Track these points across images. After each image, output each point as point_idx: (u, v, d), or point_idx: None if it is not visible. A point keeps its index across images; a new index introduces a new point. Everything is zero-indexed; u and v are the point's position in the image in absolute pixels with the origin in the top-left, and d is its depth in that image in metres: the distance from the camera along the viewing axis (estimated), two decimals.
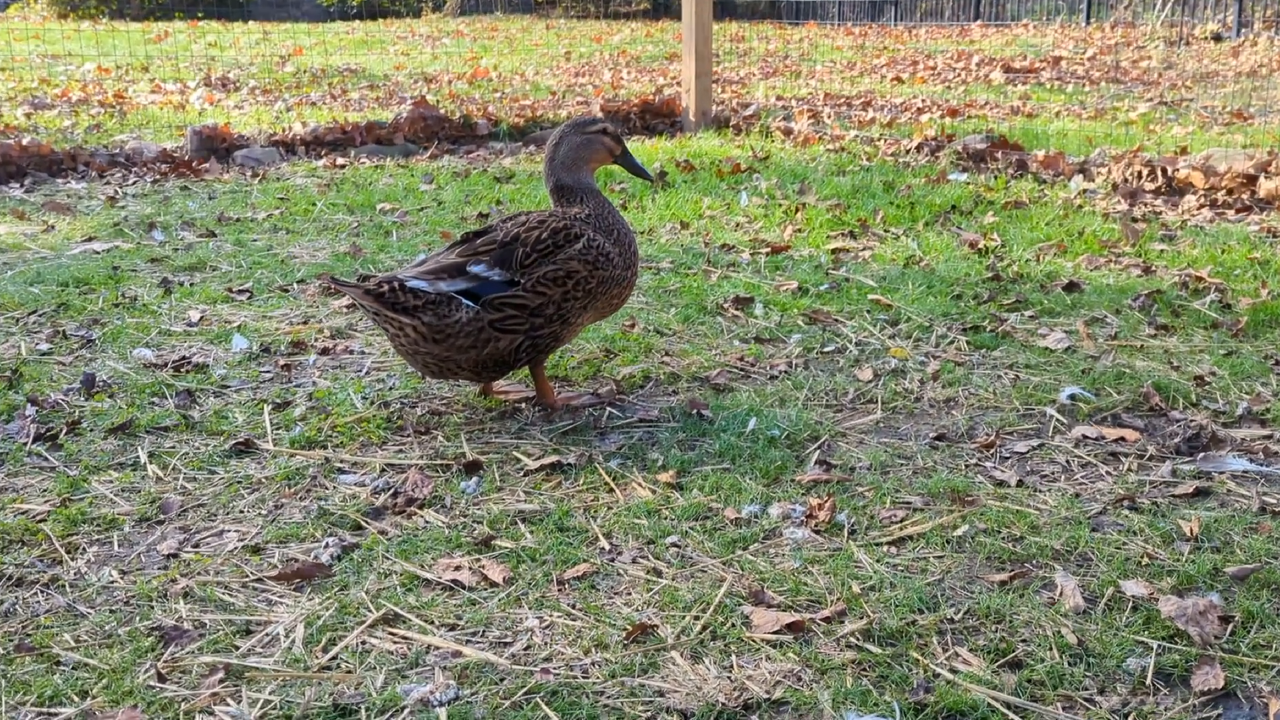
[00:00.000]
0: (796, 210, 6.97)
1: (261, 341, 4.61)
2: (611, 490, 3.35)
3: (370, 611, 2.73)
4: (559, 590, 2.83)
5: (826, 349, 4.58)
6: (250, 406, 3.96)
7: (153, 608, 2.76)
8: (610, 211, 3.88)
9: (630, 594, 2.82)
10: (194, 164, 8.70)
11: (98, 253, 6.01)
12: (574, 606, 2.76)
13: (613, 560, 2.97)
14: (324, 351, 4.53)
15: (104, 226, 6.63)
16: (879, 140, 9.27)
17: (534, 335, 3.70)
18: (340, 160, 9.07)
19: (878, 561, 2.95)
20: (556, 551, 2.99)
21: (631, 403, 4.04)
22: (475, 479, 3.40)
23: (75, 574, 2.91)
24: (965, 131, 9.29)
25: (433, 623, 2.70)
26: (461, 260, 3.69)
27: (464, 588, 2.83)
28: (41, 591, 2.83)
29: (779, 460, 3.52)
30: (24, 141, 8.57)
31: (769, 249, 6.09)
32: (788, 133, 9.86)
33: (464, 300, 3.63)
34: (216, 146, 9.15)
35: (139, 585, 2.84)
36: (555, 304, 3.69)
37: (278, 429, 3.79)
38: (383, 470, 3.49)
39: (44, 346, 4.54)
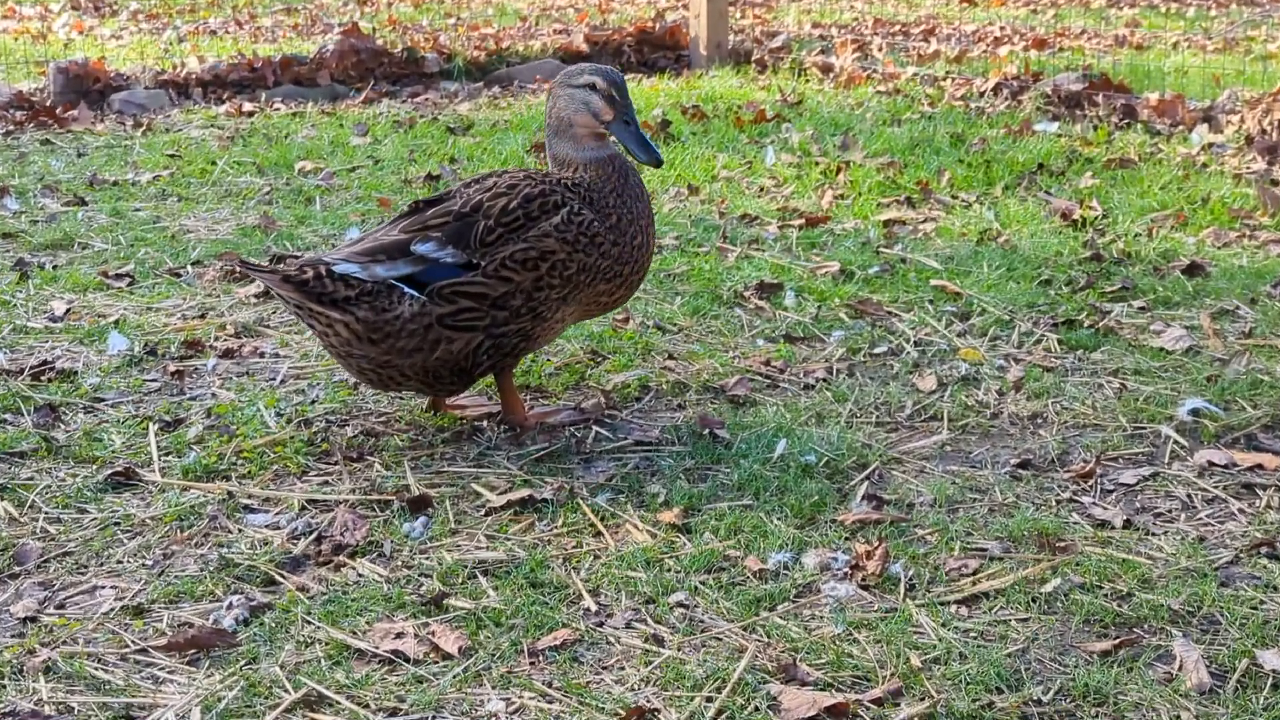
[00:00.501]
0: (838, 170, 6.99)
1: (146, 341, 4.61)
2: (599, 534, 3.36)
3: (286, 692, 2.73)
4: (531, 663, 2.83)
5: (877, 350, 4.59)
6: (131, 426, 3.97)
7: (4, 687, 2.75)
8: (619, 185, 3.81)
9: (624, 668, 2.82)
10: (58, 111, 8.70)
11: None
12: (551, 685, 2.76)
13: (601, 624, 2.97)
14: (226, 354, 4.53)
15: None
16: (944, 80, 9.28)
17: (497, 334, 3.70)
18: (248, 106, 9.07)
19: (943, 626, 2.96)
20: (528, 613, 2.99)
21: (625, 420, 4.05)
22: (422, 519, 3.41)
23: None
24: (1056, 68, 9.32)
25: (368, 706, 2.69)
26: (405, 237, 3.68)
27: (408, 660, 2.83)
28: None
29: (816, 494, 3.53)
30: None
31: (802, 220, 6.11)
32: (826, 70, 9.88)
33: (406, 289, 3.63)
34: (87, 88, 9.15)
35: None
36: (525, 293, 3.68)
37: (167, 455, 3.79)
38: (303, 508, 3.50)
39: None
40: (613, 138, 3.88)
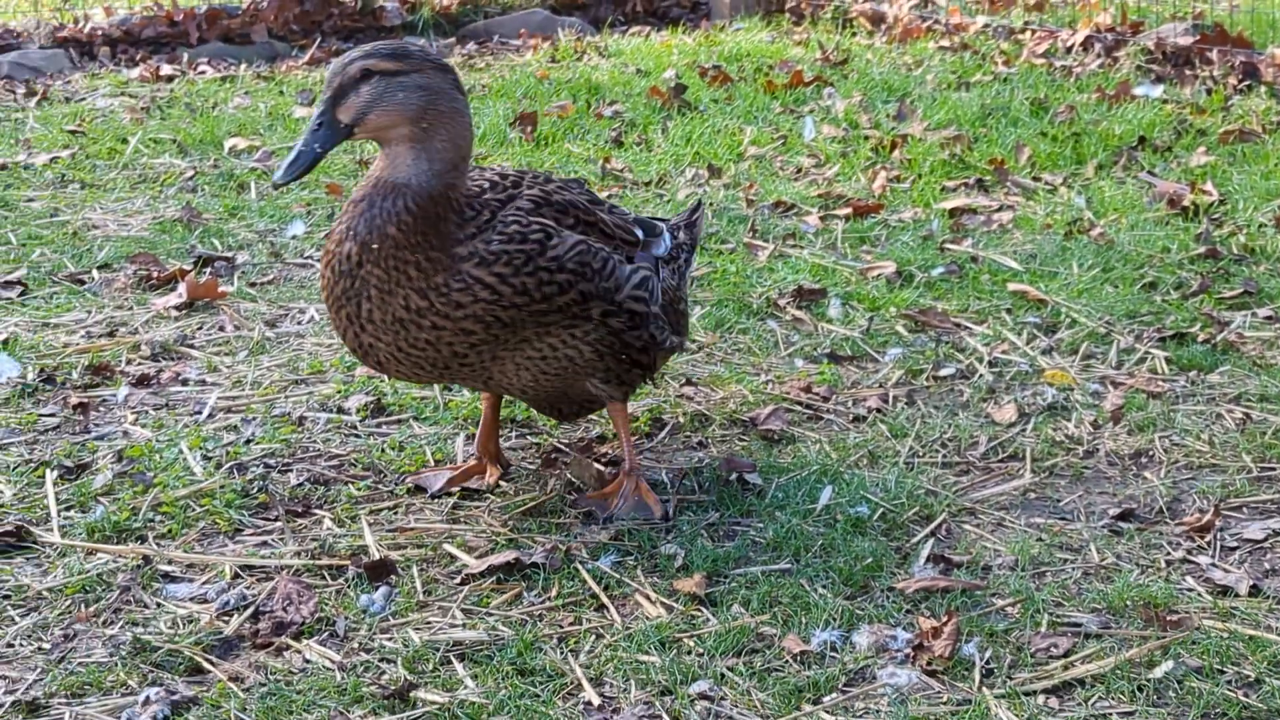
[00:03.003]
0: (892, 147, 6.98)
1: (41, 366, 4.62)
2: (603, 607, 3.35)
3: None
4: None
5: (942, 372, 4.59)
6: (24, 473, 3.97)
7: None
8: None
9: None
10: None
11: None
12: None
13: None
14: (141, 382, 4.53)
15: None
16: (1023, 33, 9.27)
17: None
18: (166, 69, 9.08)
19: None
20: (515, 708, 2.99)
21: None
22: (384, 590, 3.40)
23: None
24: (1160, 17, 9.28)
25: None
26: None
27: None
28: None
29: (869, 556, 3.51)
30: None
31: (849, 209, 6.10)
32: (877, 20, 9.87)
33: None
34: None
35: None
36: None
37: (68, 509, 3.78)
38: (236, 576, 3.49)
39: None
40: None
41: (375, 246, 3.46)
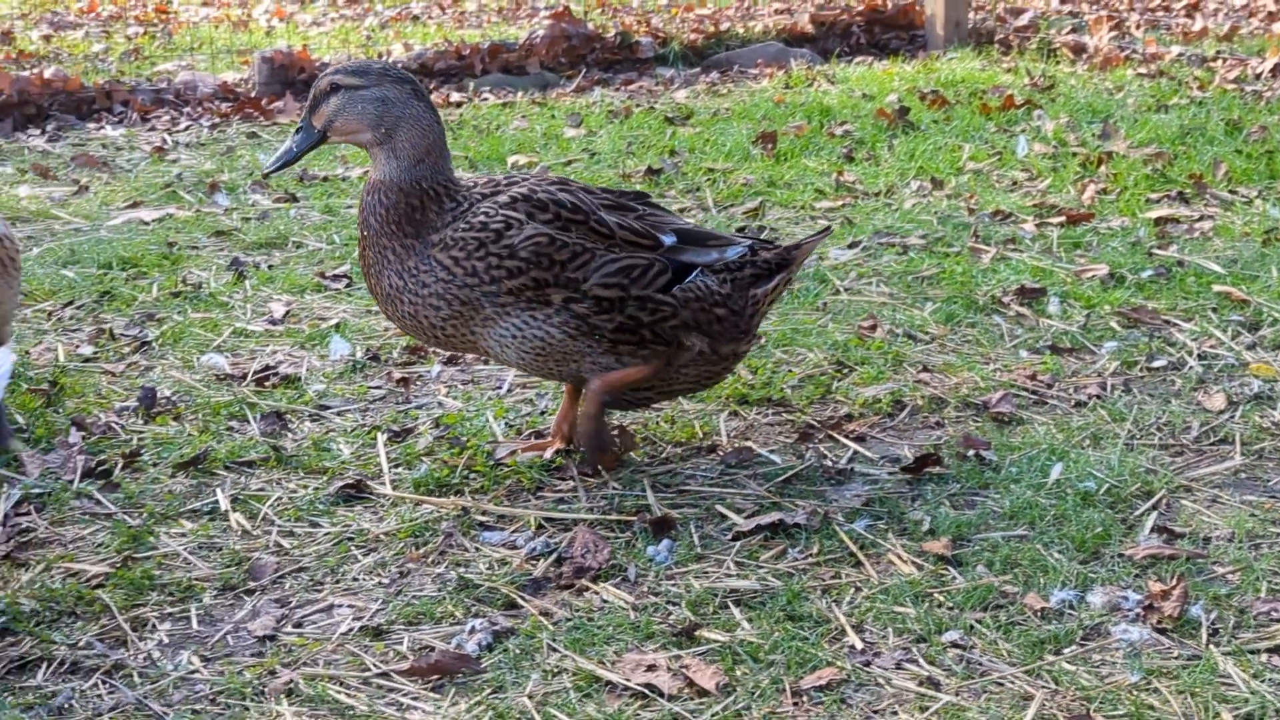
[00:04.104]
0: (1099, 162, 6.84)
1: (368, 346, 4.76)
2: (859, 564, 3.35)
3: None
4: (795, 704, 2.83)
5: (1155, 364, 4.48)
6: (359, 435, 4.10)
7: (248, 709, 2.87)
8: None
9: (897, 713, 2.80)
10: (264, 102, 9.04)
11: (146, 223, 6.30)
12: None
13: (868, 664, 2.96)
14: (450, 360, 4.64)
15: (152, 187, 6.94)
16: (1215, 60, 8.99)
17: None
18: (455, 95, 9.28)
19: (1255, 677, 2.87)
20: (788, 649, 3.00)
21: (877, 439, 4.03)
22: (666, 543, 3.44)
23: (145, 659, 3.05)
24: None
25: None
26: None
27: (662, 695, 2.86)
28: (103, 682, 2.98)
29: (1099, 525, 3.46)
30: (45, 74, 9.04)
31: (1063, 218, 5.99)
32: (1079, 50, 9.67)
33: None
34: (292, 78, 9.48)
35: (229, 677, 2.96)
36: None
37: (397, 466, 3.90)
38: (539, 527, 3.57)
39: (87, 350, 4.78)
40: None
41: (364, 234, 3.74)
